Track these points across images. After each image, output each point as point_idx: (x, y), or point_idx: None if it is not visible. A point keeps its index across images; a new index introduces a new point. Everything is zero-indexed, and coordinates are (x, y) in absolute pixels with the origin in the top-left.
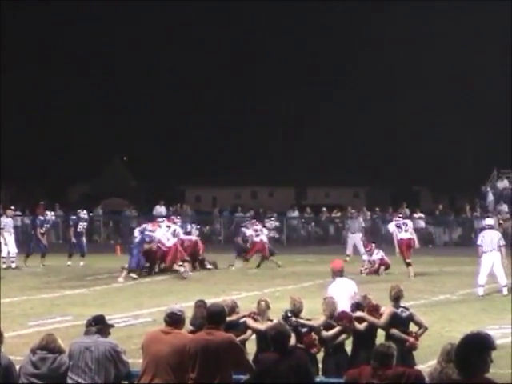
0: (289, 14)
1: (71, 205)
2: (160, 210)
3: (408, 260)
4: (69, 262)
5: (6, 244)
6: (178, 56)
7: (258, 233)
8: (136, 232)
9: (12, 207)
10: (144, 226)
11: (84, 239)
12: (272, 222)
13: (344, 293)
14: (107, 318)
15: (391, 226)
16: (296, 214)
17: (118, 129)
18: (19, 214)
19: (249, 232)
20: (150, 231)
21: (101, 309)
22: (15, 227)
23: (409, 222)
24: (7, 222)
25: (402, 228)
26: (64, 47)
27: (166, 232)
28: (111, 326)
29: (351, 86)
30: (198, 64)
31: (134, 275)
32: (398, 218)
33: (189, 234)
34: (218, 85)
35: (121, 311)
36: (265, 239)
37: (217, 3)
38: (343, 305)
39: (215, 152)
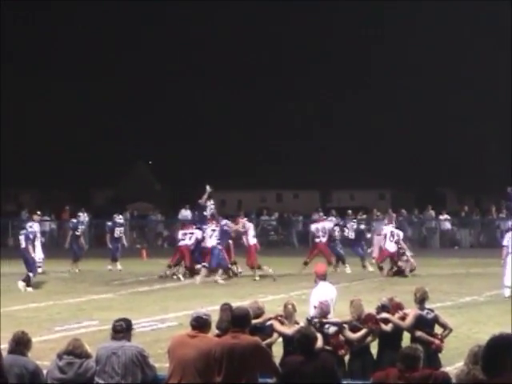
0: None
1: (96, 209)
2: (185, 213)
3: (381, 264)
4: (119, 267)
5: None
6: (201, 58)
7: (319, 234)
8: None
9: (38, 212)
10: (224, 222)
11: (121, 244)
12: (353, 224)
13: (326, 297)
14: (133, 322)
15: (388, 229)
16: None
17: (142, 132)
18: (47, 218)
19: (313, 227)
20: (228, 226)
21: (127, 313)
22: (42, 232)
23: (401, 232)
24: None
25: (394, 237)
26: (88, 51)
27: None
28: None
29: (375, 86)
30: (222, 65)
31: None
32: (392, 225)
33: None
34: (242, 86)
35: (147, 315)
36: (324, 240)
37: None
38: None
39: (240, 155)
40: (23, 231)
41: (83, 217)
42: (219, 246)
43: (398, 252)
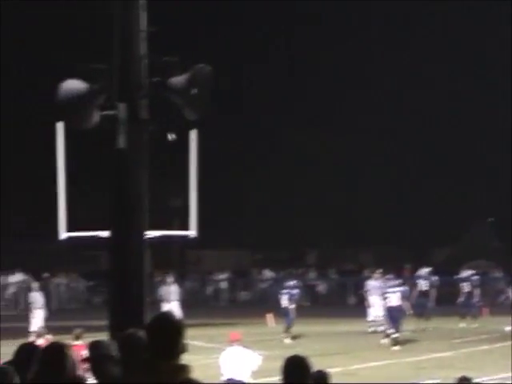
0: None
1: (437, 267)
2: None
3: None
4: (461, 324)
5: (371, 307)
6: None
7: None
8: None
9: (380, 270)
10: None
11: (474, 300)
12: None
13: None
14: (474, 381)
15: None
16: None
17: (481, 191)
18: (390, 276)
19: None
20: None
21: (467, 372)
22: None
23: None
24: (374, 284)
25: None
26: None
27: None
28: None
29: None
30: None
31: None
32: None
33: None
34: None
35: (487, 374)
36: None
37: None
38: None
39: None
40: (393, 289)
41: (424, 272)
42: None
43: None
